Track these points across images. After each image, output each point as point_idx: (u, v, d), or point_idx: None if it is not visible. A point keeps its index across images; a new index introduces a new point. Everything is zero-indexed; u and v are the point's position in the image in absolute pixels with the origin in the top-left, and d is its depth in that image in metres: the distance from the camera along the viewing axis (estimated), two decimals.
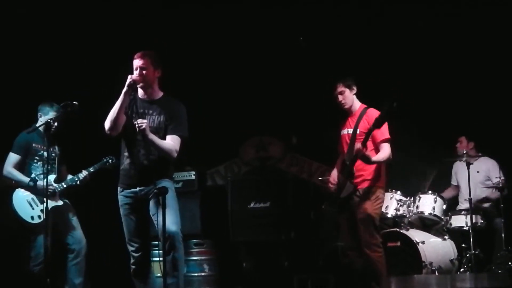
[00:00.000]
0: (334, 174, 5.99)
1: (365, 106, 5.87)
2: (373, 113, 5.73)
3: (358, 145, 5.56)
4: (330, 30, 7.70)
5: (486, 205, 7.15)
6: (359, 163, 5.70)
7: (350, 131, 5.80)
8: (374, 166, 5.73)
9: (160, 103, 5.21)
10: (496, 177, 7.00)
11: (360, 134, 5.70)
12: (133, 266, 5.27)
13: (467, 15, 7.23)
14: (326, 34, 7.75)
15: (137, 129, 4.98)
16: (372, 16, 7.55)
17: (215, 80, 7.95)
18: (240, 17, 7.68)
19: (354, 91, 5.88)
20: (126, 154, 5.22)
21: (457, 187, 7.40)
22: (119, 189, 5.28)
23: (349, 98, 5.87)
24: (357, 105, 5.90)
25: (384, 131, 5.69)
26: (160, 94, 5.27)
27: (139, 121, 4.99)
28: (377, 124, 5.48)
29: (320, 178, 7.27)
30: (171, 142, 5.13)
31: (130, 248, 5.25)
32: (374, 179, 5.74)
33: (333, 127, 7.18)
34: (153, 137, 5.06)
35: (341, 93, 5.86)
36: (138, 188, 5.17)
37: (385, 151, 5.68)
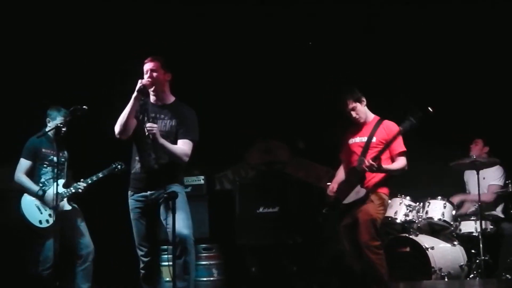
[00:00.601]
0: (335, 182, 5.96)
1: (379, 118, 5.83)
2: (391, 124, 5.69)
3: (368, 161, 5.49)
4: (335, 33, 7.68)
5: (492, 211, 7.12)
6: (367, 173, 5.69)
7: (364, 139, 5.75)
8: (382, 175, 5.71)
9: (171, 107, 5.23)
10: (492, 182, 7.00)
11: (377, 143, 5.65)
12: (142, 271, 5.24)
13: (481, 14, 7.20)
14: (331, 37, 7.73)
15: (147, 133, 4.98)
16: (378, 17, 7.52)
17: (222, 85, 7.94)
18: (245, 22, 7.67)
19: (365, 103, 5.83)
20: (137, 158, 5.22)
21: (469, 194, 7.37)
22: (129, 193, 5.27)
23: (362, 111, 5.82)
24: (370, 116, 5.85)
25: (400, 143, 5.67)
26: (172, 99, 5.29)
27: (148, 125, 5.00)
28: (405, 129, 5.47)
29: (329, 184, 7.26)
30: (182, 146, 5.13)
31: (140, 253, 5.23)
32: (379, 186, 5.72)
33: (339, 131, 7.20)
34: (163, 141, 5.05)
35: (353, 109, 5.79)
36: (148, 192, 5.16)
37: (401, 162, 5.65)
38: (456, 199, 7.13)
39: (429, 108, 5.44)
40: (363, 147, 5.69)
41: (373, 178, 5.69)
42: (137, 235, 5.23)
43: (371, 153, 5.64)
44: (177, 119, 5.16)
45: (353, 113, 5.80)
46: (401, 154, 5.66)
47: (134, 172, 5.25)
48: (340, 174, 6.02)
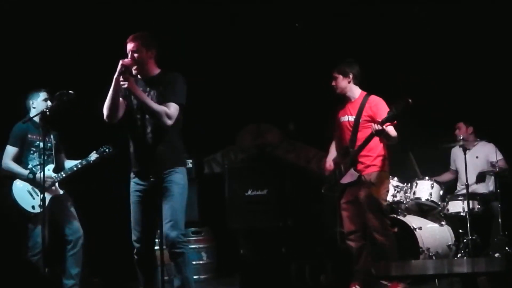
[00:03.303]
0: (330, 160, 6.02)
1: (366, 93, 5.89)
2: (376, 100, 5.75)
3: (377, 126, 5.52)
4: (327, 16, 7.66)
5: (484, 190, 7.14)
6: (363, 151, 5.74)
7: (351, 118, 5.83)
8: (378, 152, 5.78)
9: (156, 79, 5.08)
10: (493, 161, 6.99)
11: (364, 122, 5.71)
12: (135, 257, 5.15)
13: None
14: (323, 19, 7.71)
15: (122, 86, 4.85)
16: (369, 1, 7.51)
17: (211, 67, 7.91)
18: (235, 3, 7.62)
19: (349, 79, 5.90)
20: (131, 140, 5.11)
21: (455, 171, 7.41)
22: (131, 174, 5.15)
23: (342, 84, 5.91)
24: (356, 92, 5.93)
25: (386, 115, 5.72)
26: (156, 71, 5.13)
27: (121, 78, 4.83)
28: (390, 118, 5.49)
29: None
30: (164, 106, 4.94)
31: (133, 237, 5.12)
32: (378, 164, 5.78)
33: (330, 113, 7.18)
34: (142, 94, 4.89)
35: (334, 78, 5.93)
36: (147, 177, 5.01)
37: (394, 131, 5.72)
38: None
39: (409, 99, 5.44)
40: (353, 126, 5.75)
41: (367, 160, 5.75)
42: (132, 218, 5.11)
43: (362, 132, 5.69)
44: (161, 87, 5.01)
45: (333, 82, 5.92)
46: (389, 126, 5.69)
47: (132, 152, 5.12)
48: (334, 151, 6.10)
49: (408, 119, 5.74)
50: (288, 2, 7.60)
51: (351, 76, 5.89)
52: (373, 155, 5.78)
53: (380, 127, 5.50)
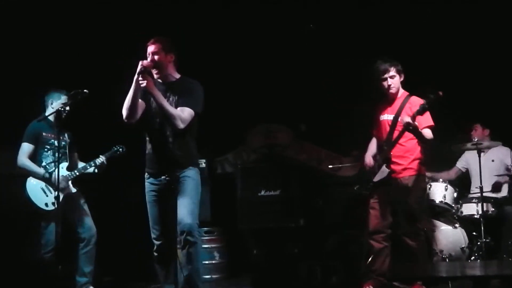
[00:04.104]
0: (369, 156, 5.99)
1: (408, 93, 5.86)
2: (416, 100, 5.70)
3: (407, 118, 5.48)
4: (329, 17, 7.65)
5: (499, 194, 7.10)
6: (399, 152, 5.72)
7: (390, 117, 5.79)
8: (416, 154, 5.76)
9: (175, 84, 5.19)
10: (509, 164, 6.95)
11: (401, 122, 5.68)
12: (155, 253, 5.24)
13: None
14: (324, 20, 7.70)
15: (141, 85, 4.95)
16: (370, 1, 7.50)
17: (223, 68, 7.91)
18: (246, 3, 7.62)
19: (402, 78, 5.87)
20: (148, 141, 5.22)
21: (461, 170, 7.33)
22: (146, 175, 5.26)
23: (397, 84, 5.85)
24: (400, 91, 5.90)
25: (427, 118, 5.68)
26: (176, 76, 5.25)
27: (140, 78, 4.93)
28: (421, 111, 5.45)
29: (330, 166, 7.25)
30: (179, 110, 5.06)
31: (152, 236, 5.23)
32: (415, 168, 5.76)
33: (340, 114, 7.17)
34: (159, 95, 4.99)
35: (392, 77, 5.82)
36: (162, 177, 5.15)
37: (429, 134, 5.68)
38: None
39: (439, 92, 5.40)
40: (390, 125, 5.73)
41: (404, 162, 5.73)
42: (150, 218, 5.21)
43: (399, 131, 5.68)
44: (179, 94, 5.12)
45: (390, 80, 5.81)
46: (427, 127, 5.67)
47: (148, 155, 5.24)
48: (372, 148, 6.06)
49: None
50: (296, 2, 7.58)
51: (403, 75, 5.87)
52: (410, 157, 5.76)
53: (409, 120, 5.45)
